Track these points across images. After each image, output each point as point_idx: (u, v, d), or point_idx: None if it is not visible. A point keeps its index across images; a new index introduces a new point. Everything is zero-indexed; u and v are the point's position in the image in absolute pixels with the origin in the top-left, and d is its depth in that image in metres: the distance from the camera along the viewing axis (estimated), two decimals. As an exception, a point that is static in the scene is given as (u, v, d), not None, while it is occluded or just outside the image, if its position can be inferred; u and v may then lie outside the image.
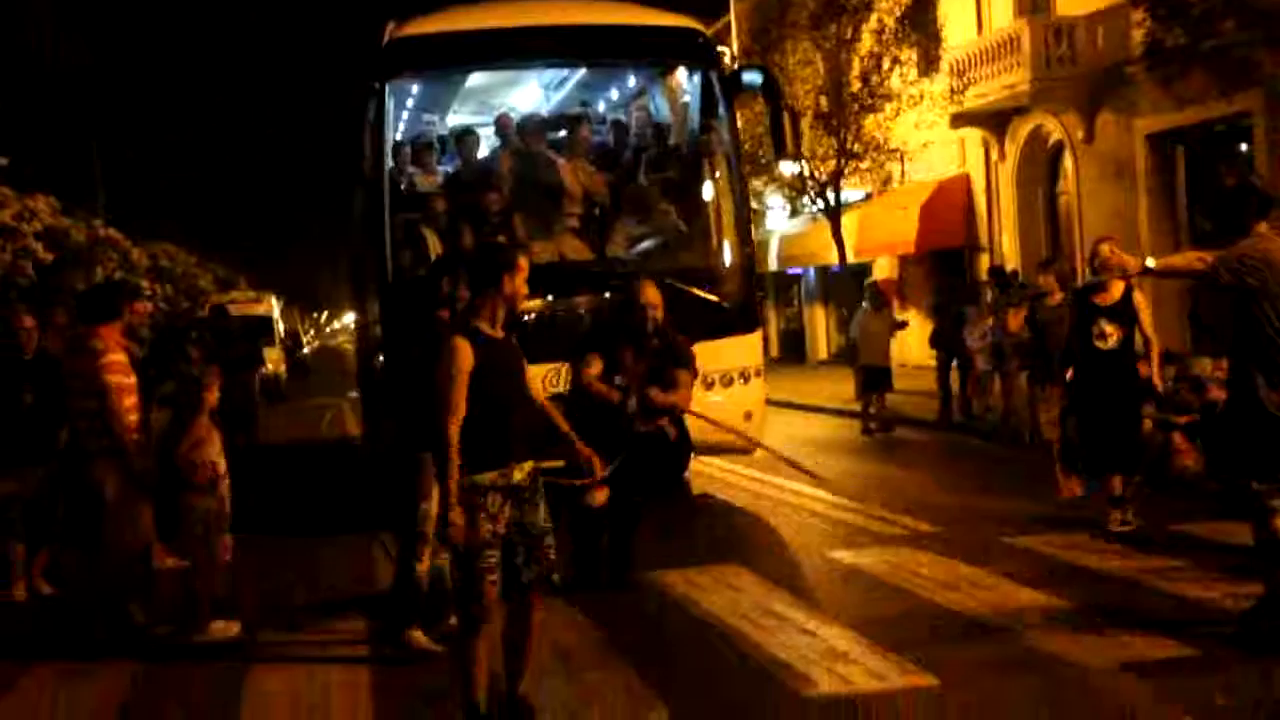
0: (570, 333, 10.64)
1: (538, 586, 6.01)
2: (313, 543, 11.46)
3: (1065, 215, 25.56)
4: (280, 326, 41.01)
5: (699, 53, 12.48)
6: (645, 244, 12.02)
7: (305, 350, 58.91)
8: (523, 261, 5.93)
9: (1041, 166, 26.29)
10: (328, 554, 10.90)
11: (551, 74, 14.28)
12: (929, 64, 25.67)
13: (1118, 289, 10.04)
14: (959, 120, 25.99)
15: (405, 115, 13.20)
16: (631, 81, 14.37)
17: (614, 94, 14.85)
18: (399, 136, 12.55)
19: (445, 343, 5.85)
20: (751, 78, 12.69)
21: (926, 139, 26.46)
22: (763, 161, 24.12)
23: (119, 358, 8.30)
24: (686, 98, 13.24)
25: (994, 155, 26.86)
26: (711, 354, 10.59)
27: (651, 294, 8.81)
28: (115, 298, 8.84)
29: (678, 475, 9.26)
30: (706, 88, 12.58)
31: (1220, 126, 20.77)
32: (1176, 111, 20.30)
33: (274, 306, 40.84)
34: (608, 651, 7.49)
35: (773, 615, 8.01)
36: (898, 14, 25.03)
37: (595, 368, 8.75)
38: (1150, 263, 8.14)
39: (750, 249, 12.54)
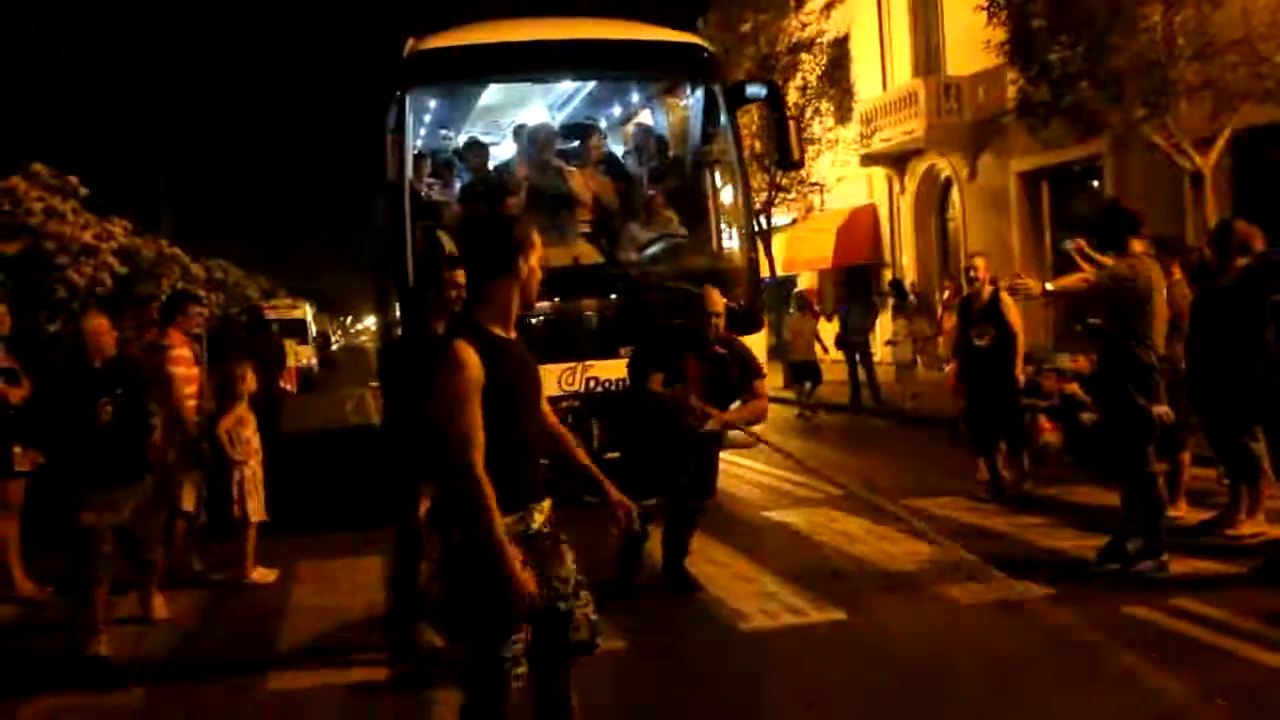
0: (586, 331, 9.87)
1: (577, 655, 3.98)
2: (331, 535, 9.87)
3: (953, 238, 25.68)
4: (313, 328, 40.83)
5: (704, 66, 11.21)
6: (655, 248, 10.66)
7: (333, 348, 58.59)
8: (537, 237, 3.96)
9: (934, 198, 26.39)
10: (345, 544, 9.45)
11: (561, 91, 12.66)
12: (843, 114, 25.74)
13: (986, 295, 10.11)
14: (867, 160, 26.08)
15: (424, 130, 11.83)
16: (637, 96, 12.93)
17: (621, 108, 13.33)
18: (418, 148, 11.26)
19: (444, 352, 3.74)
20: (755, 90, 11.42)
21: (841, 175, 26.51)
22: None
23: (182, 352, 8.29)
24: (693, 109, 11.88)
25: (896, 188, 26.96)
26: None
27: (717, 301, 7.26)
28: (176, 303, 8.79)
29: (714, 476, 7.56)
30: (710, 99, 11.28)
31: (1077, 166, 20.91)
32: (1042, 154, 20.39)
33: (308, 311, 40.66)
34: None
35: (714, 563, 8.01)
36: (818, 73, 25.11)
37: (656, 382, 7.22)
38: (1049, 285, 8.22)
39: (755, 253, 11.13)
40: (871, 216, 27.97)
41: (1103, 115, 14.85)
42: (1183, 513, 8.54)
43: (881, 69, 27.05)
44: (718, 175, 11.89)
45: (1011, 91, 16.55)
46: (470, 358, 3.67)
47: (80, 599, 6.70)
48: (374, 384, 23.95)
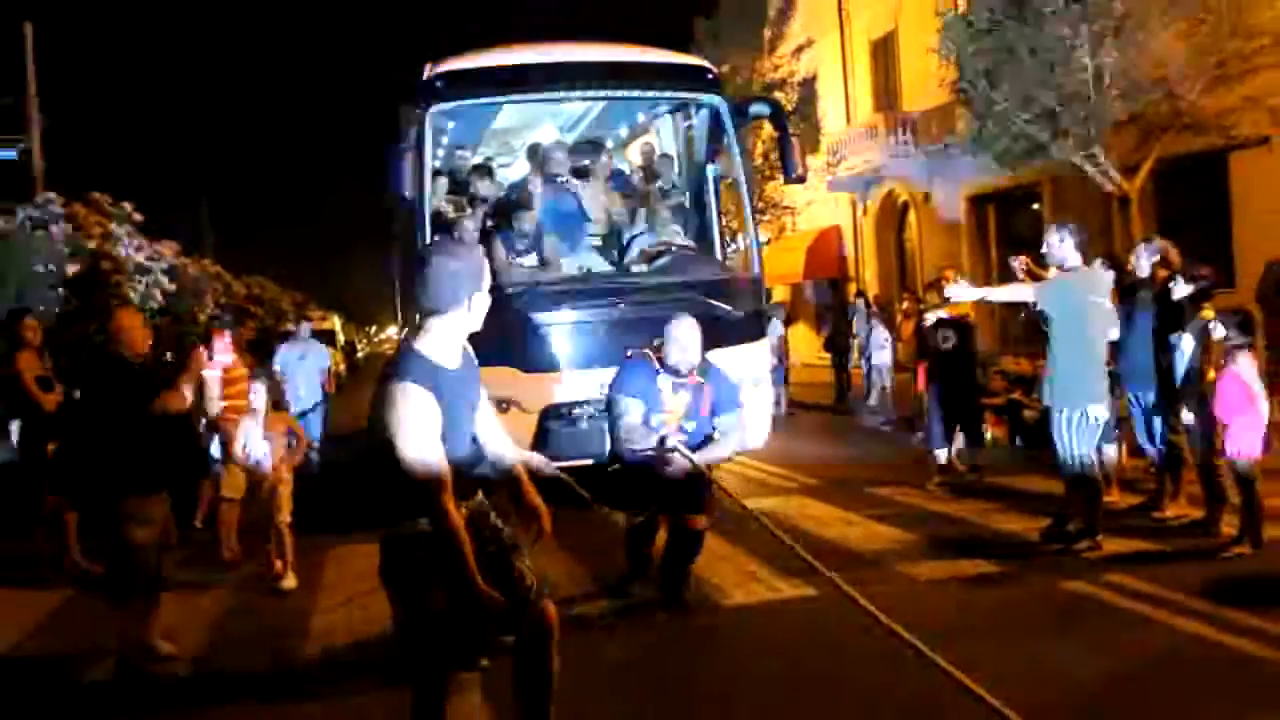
0: (595, 339, 9.09)
1: (540, 595, 3.67)
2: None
3: (910, 255, 25.75)
4: (341, 337, 40.83)
5: (710, 86, 10.54)
6: (663, 260, 9.98)
7: (359, 355, 58.53)
8: (487, 268, 3.57)
9: (893, 220, 26.45)
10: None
11: (570, 113, 12.13)
12: (812, 145, 25.81)
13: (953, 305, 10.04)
14: (834, 185, 26.13)
15: (442, 151, 11.18)
16: (643, 117, 12.29)
17: (629, 128, 12.71)
18: (437, 166, 10.66)
19: (395, 396, 3.33)
20: (759, 108, 10.89)
21: (810, 199, 26.57)
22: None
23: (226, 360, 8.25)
24: (699, 127, 11.27)
25: (859, 211, 27.01)
26: (729, 361, 8.07)
27: (689, 332, 6.40)
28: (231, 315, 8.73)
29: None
30: (716, 118, 10.60)
31: (1020, 192, 20.99)
32: (989, 180, 20.46)
33: (336, 322, 40.69)
34: (579, 584, 7.31)
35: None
36: (790, 109, 25.10)
37: (635, 414, 6.33)
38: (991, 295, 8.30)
39: (759, 263, 10.51)
40: (837, 236, 28.03)
41: (1040, 145, 14.90)
42: (1115, 498, 8.57)
43: (845, 105, 27.14)
44: (724, 189, 11.36)
45: (961, 125, 16.57)
46: (424, 400, 3.35)
47: (121, 614, 5.88)
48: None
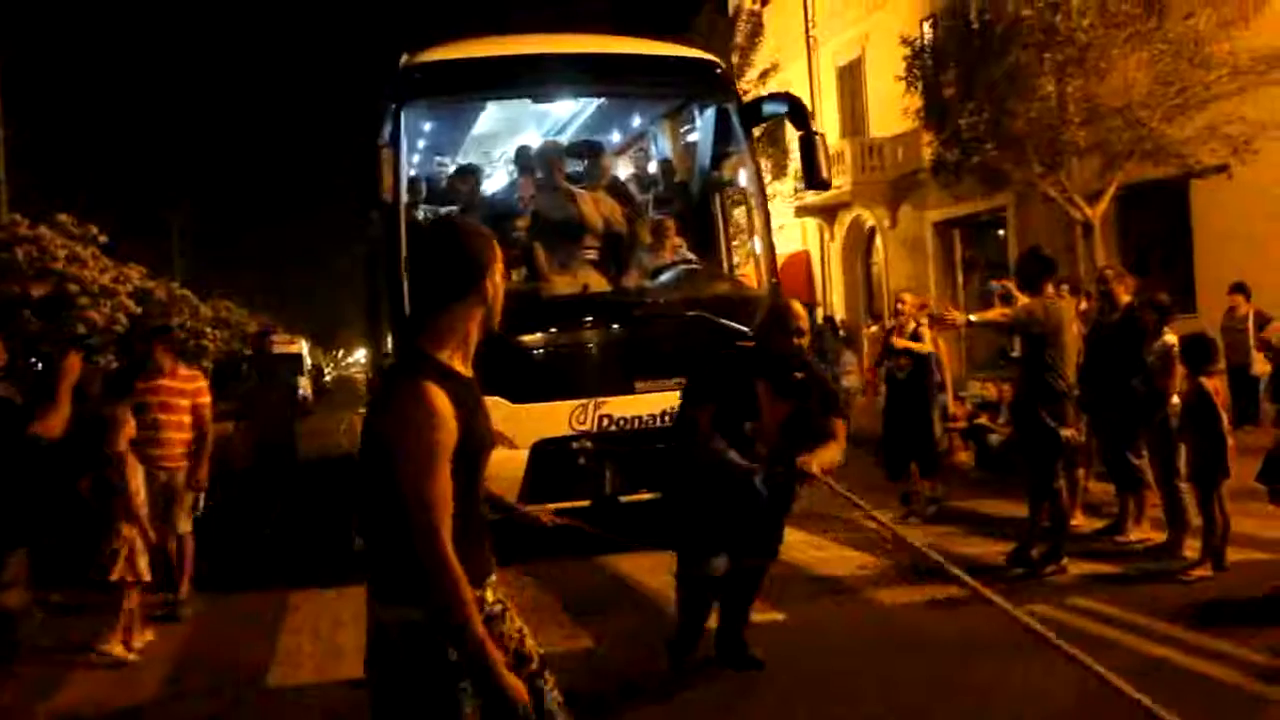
0: (598, 366, 8.05)
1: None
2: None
3: (877, 280, 25.89)
4: (308, 361, 40.63)
5: (718, 83, 9.38)
6: (671, 274, 8.76)
7: (326, 379, 58.21)
8: (499, 249, 2.76)
9: (860, 245, 26.60)
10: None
11: (557, 118, 10.58)
12: (780, 170, 25.91)
13: (910, 327, 9.92)
14: (802, 211, 26.25)
15: (418, 156, 9.95)
16: (640, 118, 10.84)
17: (621, 132, 11.23)
18: (413, 171, 9.36)
19: (406, 395, 2.53)
20: (774, 107, 9.39)
21: (780, 223, 26.58)
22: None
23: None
24: (705, 129, 9.89)
25: (826, 236, 27.15)
26: None
27: (802, 315, 5.26)
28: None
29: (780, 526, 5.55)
30: (725, 118, 9.40)
31: (984, 217, 21.17)
32: (954, 206, 20.65)
33: (304, 346, 40.54)
34: (561, 613, 7.15)
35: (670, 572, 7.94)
36: (757, 134, 25.23)
37: (705, 418, 5.16)
38: (972, 317, 8.29)
39: (775, 276, 9.13)
40: (805, 261, 28.14)
41: (1006, 172, 15.07)
42: (1080, 522, 8.61)
43: (812, 132, 27.29)
44: (734, 197, 10.13)
45: (927, 152, 16.75)
46: (444, 406, 2.52)
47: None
48: (362, 410, 23.76)
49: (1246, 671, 5.24)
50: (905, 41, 16.45)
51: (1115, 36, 13.45)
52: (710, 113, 9.71)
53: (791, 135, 26.89)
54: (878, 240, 25.51)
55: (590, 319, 8.16)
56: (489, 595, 2.68)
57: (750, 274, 9.41)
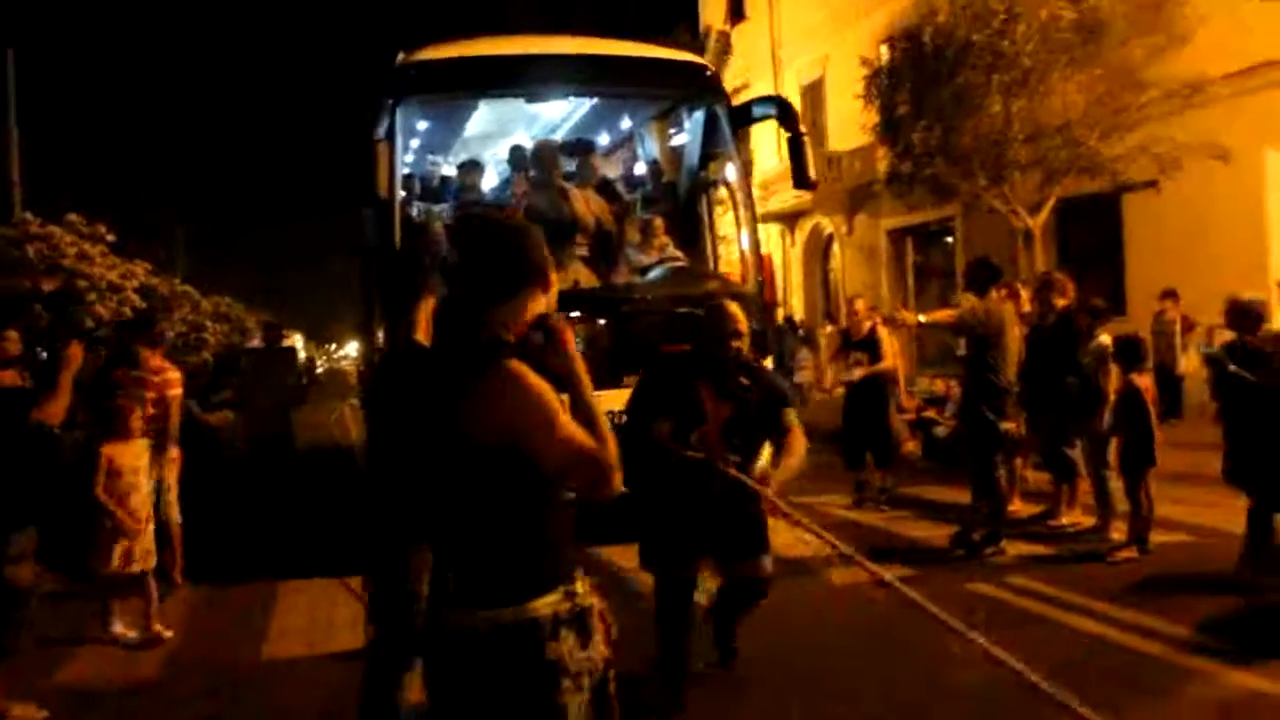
0: (591, 359, 7.17)
1: None
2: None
3: (834, 284, 25.96)
4: (302, 354, 40.46)
5: (707, 85, 9.02)
6: (660, 272, 8.48)
7: (319, 370, 57.91)
8: (554, 275, 2.55)
9: (818, 251, 26.68)
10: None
11: (548, 120, 10.16)
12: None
13: (865, 329, 9.97)
14: (765, 217, 26.26)
15: (411, 155, 9.50)
16: (631, 120, 10.44)
17: (611, 134, 10.80)
18: (407, 169, 8.94)
19: (507, 382, 2.25)
20: (763, 109, 8.98)
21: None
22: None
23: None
24: (695, 130, 9.55)
25: (788, 242, 27.20)
26: None
27: (738, 316, 4.77)
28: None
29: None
30: (714, 120, 9.06)
31: (934, 226, 21.31)
32: (906, 215, 20.72)
33: (298, 340, 40.40)
34: None
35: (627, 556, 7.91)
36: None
37: (664, 430, 4.62)
38: (922, 318, 8.35)
39: (762, 275, 8.89)
40: (769, 264, 28.16)
41: (954, 185, 15.17)
42: (1018, 508, 8.70)
43: (777, 144, 27.32)
44: (723, 197, 9.84)
45: (882, 165, 16.82)
46: (541, 380, 2.30)
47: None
48: (354, 400, 23.53)
49: (1169, 644, 5.34)
50: (864, 62, 16.55)
51: (1056, 61, 13.56)
52: (700, 114, 9.42)
53: (757, 141, 27.19)
54: (835, 246, 25.60)
55: (581, 313, 7.73)
56: (579, 588, 2.39)
57: (737, 272, 9.09)
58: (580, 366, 2.43)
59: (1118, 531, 7.55)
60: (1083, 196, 15.33)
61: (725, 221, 9.94)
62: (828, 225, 25.45)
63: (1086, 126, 13.60)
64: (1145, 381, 7.47)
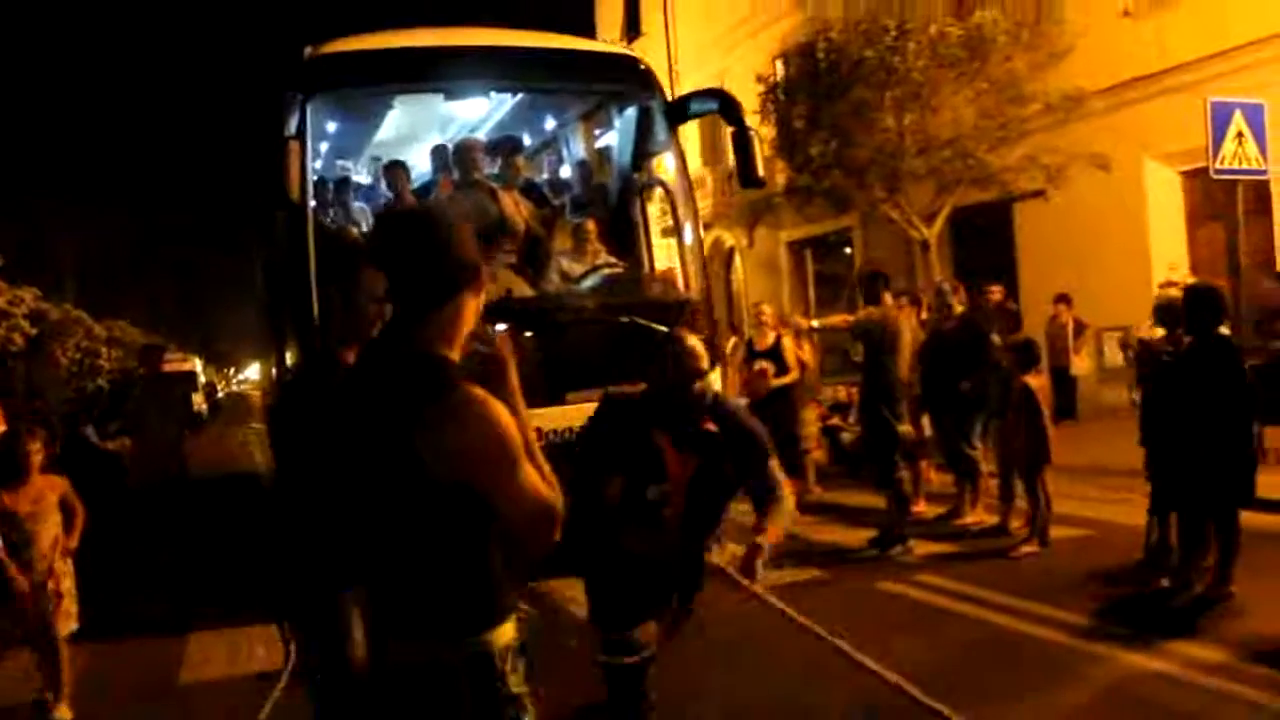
0: (527, 375, 5.45)
1: None
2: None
3: (736, 295, 26.29)
4: (202, 379, 39.46)
5: (641, 80, 8.31)
6: (591, 279, 7.89)
7: (220, 395, 56.50)
8: (486, 276, 2.32)
9: (721, 262, 26.98)
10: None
11: (465, 120, 9.37)
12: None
13: (770, 338, 10.18)
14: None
15: (320, 161, 8.75)
16: (559, 118, 9.86)
17: (534, 136, 10.01)
18: (317, 173, 8.19)
19: (457, 408, 2.04)
20: (704, 105, 8.27)
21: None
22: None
23: None
24: (628, 128, 8.81)
25: (690, 255, 27.43)
26: None
27: (699, 351, 3.94)
28: None
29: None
30: (648, 117, 8.43)
31: (833, 237, 21.77)
32: (805, 227, 21.14)
33: (197, 364, 39.46)
34: None
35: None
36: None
37: (616, 488, 3.92)
38: (815, 323, 8.57)
39: (705, 281, 8.28)
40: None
41: (851, 197, 15.53)
42: (923, 508, 8.97)
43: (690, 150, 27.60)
44: (660, 198, 9.38)
45: (780, 178, 17.10)
46: (504, 411, 2.11)
47: None
48: (256, 425, 23.00)
49: (1069, 632, 5.62)
50: (760, 78, 16.85)
51: (945, 76, 14.01)
52: (632, 112, 8.69)
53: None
54: (737, 258, 25.91)
55: (515, 326, 6.91)
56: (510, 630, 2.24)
57: (681, 276, 8.53)
58: (521, 402, 2.26)
59: (1018, 525, 7.86)
60: (975, 206, 15.82)
61: (661, 224, 9.58)
62: (729, 238, 25.76)
63: (975, 139, 14.07)
64: (1041, 382, 7.80)
